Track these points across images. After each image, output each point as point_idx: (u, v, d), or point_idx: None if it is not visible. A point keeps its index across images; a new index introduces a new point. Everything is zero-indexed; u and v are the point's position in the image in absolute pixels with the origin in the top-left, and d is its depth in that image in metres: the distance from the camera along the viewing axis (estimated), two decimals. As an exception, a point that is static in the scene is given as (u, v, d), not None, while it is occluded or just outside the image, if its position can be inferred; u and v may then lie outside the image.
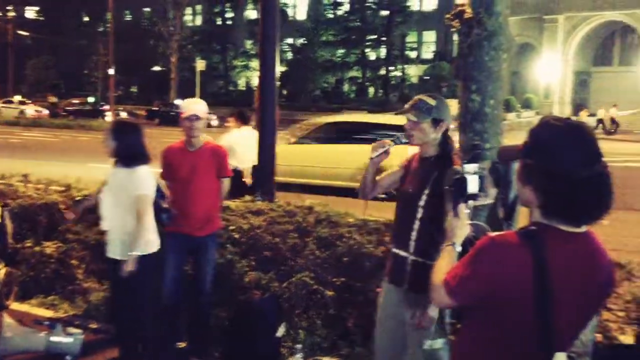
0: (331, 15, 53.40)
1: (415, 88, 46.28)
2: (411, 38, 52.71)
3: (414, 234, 3.29)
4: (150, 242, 4.31)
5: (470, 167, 2.40)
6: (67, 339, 4.62)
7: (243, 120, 8.70)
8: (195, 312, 4.95)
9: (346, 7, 52.89)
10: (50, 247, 6.27)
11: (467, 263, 2.02)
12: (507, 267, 1.92)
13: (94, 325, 5.29)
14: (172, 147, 4.94)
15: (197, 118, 4.71)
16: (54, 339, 4.60)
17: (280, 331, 4.55)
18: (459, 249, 2.22)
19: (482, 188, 2.39)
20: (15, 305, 5.72)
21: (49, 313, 5.59)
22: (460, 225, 2.30)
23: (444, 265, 2.16)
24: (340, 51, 52.37)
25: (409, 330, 3.34)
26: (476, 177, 2.39)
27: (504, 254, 1.94)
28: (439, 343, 3.24)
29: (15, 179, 8.31)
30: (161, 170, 4.92)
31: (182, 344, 4.92)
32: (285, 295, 4.95)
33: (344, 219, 5.66)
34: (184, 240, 4.77)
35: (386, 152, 3.40)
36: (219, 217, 5.11)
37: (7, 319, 4.63)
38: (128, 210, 4.20)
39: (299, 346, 4.51)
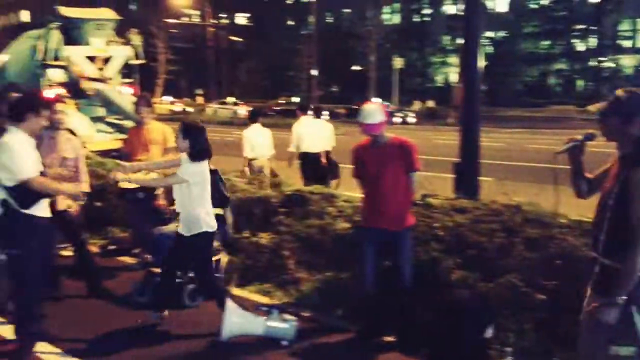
0: (535, 6, 50.98)
1: (630, 80, 42.63)
2: (624, 26, 48.64)
3: (602, 235, 3.16)
4: None
5: None
6: (283, 324, 4.93)
7: (304, 112, 10.78)
8: (398, 306, 5.04)
9: (552, -5, 50.26)
10: (264, 238, 6.71)
11: None
12: None
13: (305, 314, 5.57)
14: (360, 146, 5.09)
15: (376, 128, 4.81)
16: (271, 324, 4.94)
17: (488, 332, 4.47)
18: None
19: None
20: (235, 291, 6.21)
21: (265, 299, 5.99)
22: None
23: None
24: (545, 43, 49.83)
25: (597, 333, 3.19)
26: None
27: None
28: (626, 350, 3.08)
29: (233, 174, 9.02)
30: (353, 168, 5.10)
31: (388, 338, 5.03)
32: (491, 296, 4.85)
33: (555, 220, 5.41)
34: (377, 235, 4.88)
35: (575, 147, 3.32)
36: (411, 211, 5.14)
37: (231, 304, 5.04)
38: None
39: (508, 349, 4.39)
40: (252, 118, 10.46)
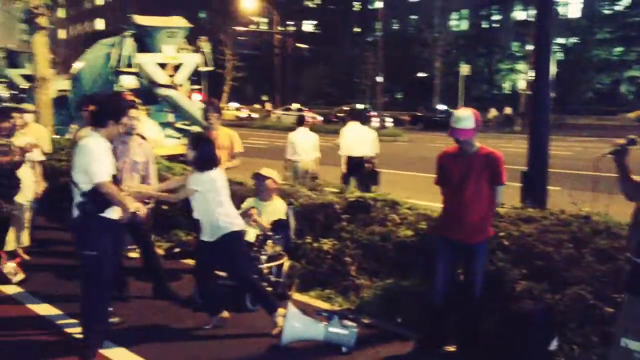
0: (608, 11, 49.47)
1: None
2: None
3: (636, 236, 3.31)
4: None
5: None
6: (343, 330, 4.93)
7: (352, 118, 11.33)
8: (464, 316, 4.96)
9: (626, 1, 48.61)
10: (326, 244, 6.72)
11: None
12: None
13: (366, 320, 5.55)
14: (446, 153, 4.99)
15: (465, 134, 4.70)
16: (332, 329, 4.95)
17: (553, 345, 4.35)
18: None
19: None
20: (296, 296, 6.26)
21: (325, 305, 6.00)
22: None
23: None
24: (618, 49, 48.26)
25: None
26: None
27: None
28: (635, 344, 3.17)
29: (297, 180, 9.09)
30: (435, 175, 5.01)
31: (450, 348, 4.96)
32: (558, 308, 4.72)
33: (626, 230, 5.22)
34: (455, 245, 4.80)
35: (618, 152, 3.53)
36: (491, 224, 5.04)
37: (292, 309, 5.07)
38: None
39: (574, 363, 4.28)
40: (299, 122, 11.13)
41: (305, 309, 5.38)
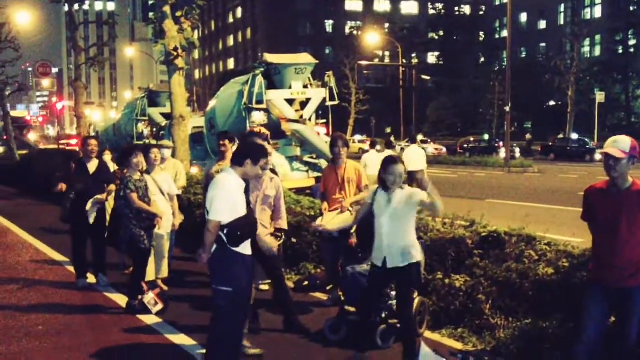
0: None
1: None
2: None
3: None
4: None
5: None
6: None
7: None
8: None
9: None
10: (458, 281, 6.48)
11: None
12: None
13: (503, 363, 5.27)
14: (594, 188, 4.61)
15: (616, 159, 4.31)
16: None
17: None
18: None
19: None
20: (427, 334, 6.06)
21: (458, 345, 5.76)
22: None
23: None
24: None
25: None
26: None
27: None
28: None
29: (425, 214, 8.89)
30: (582, 211, 4.66)
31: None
32: None
33: None
34: (606, 291, 4.43)
35: None
36: None
37: (425, 349, 4.90)
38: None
39: None
40: (372, 146, 15.50)
41: (438, 349, 5.19)
